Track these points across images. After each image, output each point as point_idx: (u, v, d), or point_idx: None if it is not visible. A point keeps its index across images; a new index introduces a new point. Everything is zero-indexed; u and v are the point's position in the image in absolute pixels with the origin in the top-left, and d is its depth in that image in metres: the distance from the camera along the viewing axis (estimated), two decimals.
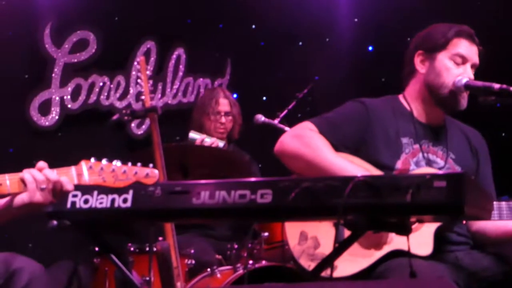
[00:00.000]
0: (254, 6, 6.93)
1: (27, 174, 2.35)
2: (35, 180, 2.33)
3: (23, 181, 2.36)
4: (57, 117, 5.91)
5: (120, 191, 2.36)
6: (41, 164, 2.40)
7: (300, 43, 7.23)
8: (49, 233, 2.48)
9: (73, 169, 2.38)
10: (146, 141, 6.22)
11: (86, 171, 2.37)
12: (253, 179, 2.21)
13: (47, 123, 5.86)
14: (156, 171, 2.36)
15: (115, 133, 6.24)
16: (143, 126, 6.45)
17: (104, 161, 2.39)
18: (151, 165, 2.43)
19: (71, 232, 2.51)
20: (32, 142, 5.81)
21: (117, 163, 2.38)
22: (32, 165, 5.99)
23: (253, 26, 7.22)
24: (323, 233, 2.90)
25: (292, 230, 2.98)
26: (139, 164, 2.41)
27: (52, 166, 5.76)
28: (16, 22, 5.71)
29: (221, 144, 4.92)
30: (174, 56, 6.76)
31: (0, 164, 5.45)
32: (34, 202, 2.33)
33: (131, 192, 2.32)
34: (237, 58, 7.17)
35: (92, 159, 2.39)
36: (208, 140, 4.90)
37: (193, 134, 4.97)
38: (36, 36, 5.82)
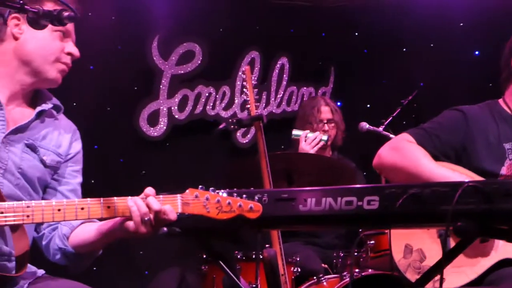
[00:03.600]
0: (357, 14, 6.90)
1: (132, 202, 2.33)
2: (139, 211, 2.32)
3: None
4: (165, 128, 6.05)
5: None
6: (148, 191, 2.37)
7: (404, 49, 7.14)
8: (160, 240, 2.52)
9: (178, 198, 2.35)
10: (251, 149, 6.29)
11: (191, 200, 2.35)
12: (359, 185, 2.20)
13: (155, 134, 6.01)
14: (260, 205, 2.34)
15: (221, 142, 6.34)
16: (248, 135, 6.52)
17: (210, 191, 2.35)
18: (256, 199, 2.37)
19: (181, 239, 2.55)
20: (141, 152, 5.97)
21: (223, 193, 2.35)
22: (141, 175, 6.15)
23: (356, 34, 7.19)
24: (428, 245, 2.86)
25: (397, 244, 2.95)
26: (244, 196, 2.38)
27: (161, 175, 5.91)
28: (125, 36, 5.89)
29: (324, 138, 4.96)
30: (278, 65, 6.81)
31: (111, 174, 5.69)
32: (139, 232, 2.34)
33: None
34: (340, 66, 7.15)
35: (199, 187, 2.38)
36: (311, 135, 4.95)
37: (296, 131, 5.05)
38: (144, 49, 5.99)
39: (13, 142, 2.56)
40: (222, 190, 2.37)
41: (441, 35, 6.89)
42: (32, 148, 2.61)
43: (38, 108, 2.67)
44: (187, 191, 2.36)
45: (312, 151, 4.89)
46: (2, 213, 2.27)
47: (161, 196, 2.36)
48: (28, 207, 2.30)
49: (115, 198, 2.36)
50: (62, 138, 2.74)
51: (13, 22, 2.62)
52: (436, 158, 2.93)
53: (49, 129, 2.70)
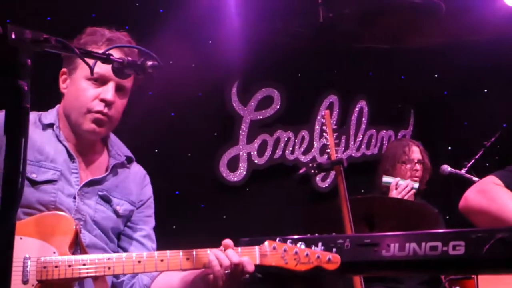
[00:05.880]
0: (436, 55, 6.84)
1: (213, 256, 2.34)
2: (220, 265, 2.33)
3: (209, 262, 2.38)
4: (244, 173, 6.08)
5: None
6: (227, 242, 2.39)
7: (486, 90, 7.03)
8: (241, 286, 2.51)
9: (256, 249, 2.36)
10: (330, 194, 6.26)
11: (269, 252, 2.36)
12: (444, 230, 2.16)
13: (235, 179, 6.04)
14: (338, 257, 2.32)
15: (301, 186, 6.32)
16: (328, 180, 6.49)
17: (288, 243, 2.36)
18: (334, 251, 2.36)
19: (262, 284, 2.54)
20: (222, 197, 6.00)
21: (301, 245, 2.35)
22: (222, 220, 6.15)
23: (436, 75, 7.12)
24: None
25: None
26: (321, 247, 2.37)
27: (241, 220, 5.90)
28: (205, 83, 5.96)
29: (416, 185, 4.90)
30: (357, 109, 6.79)
31: (192, 219, 5.71)
32: (218, 285, 2.35)
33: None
34: (420, 109, 7.08)
35: (277, 239, 2.38)
36: (403, 183, 4.88)
37: (387, 178, 4.99)
38: (224, 96, 6.06)
39: (88, 194, 2.58)
40: (300, 242, 2.37)
41: None
42: (106, 199, 2.63)
43: (112, 162, 2.68)
44: (265, 242, 2.37)
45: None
46: (84, 265, 2.33)
47: (239, 248, 2.37)
48: (109, 259, 2.35)
49: (194, 250, 2.37)
50: (133, 185, 2.75)
51: (62, 78, 2.65)
52: None
53: (121, 178, 2.71)
